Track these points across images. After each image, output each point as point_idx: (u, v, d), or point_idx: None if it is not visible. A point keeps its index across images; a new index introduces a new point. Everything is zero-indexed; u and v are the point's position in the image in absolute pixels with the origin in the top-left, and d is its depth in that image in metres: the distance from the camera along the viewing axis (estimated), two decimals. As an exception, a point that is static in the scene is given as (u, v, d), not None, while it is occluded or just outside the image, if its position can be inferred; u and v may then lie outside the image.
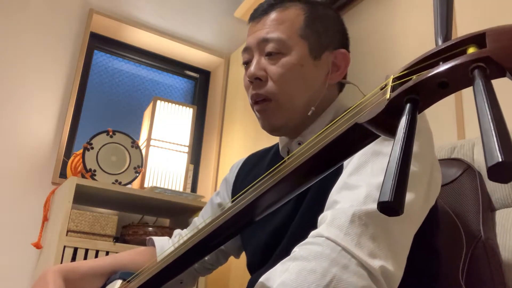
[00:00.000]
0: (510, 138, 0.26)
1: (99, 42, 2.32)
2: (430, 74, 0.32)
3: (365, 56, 1.65)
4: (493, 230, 0.80)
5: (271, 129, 0.83)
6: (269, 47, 0.80)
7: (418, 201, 0.58)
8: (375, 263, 0.50)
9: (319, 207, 0.61)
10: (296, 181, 0.46)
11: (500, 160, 0.25)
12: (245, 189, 0.53)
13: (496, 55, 0.29)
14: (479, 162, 0.86)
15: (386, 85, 0.37)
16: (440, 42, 0.35)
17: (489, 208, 0.82)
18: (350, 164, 0.62)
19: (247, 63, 0.84)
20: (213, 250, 0.58)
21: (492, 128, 0.26)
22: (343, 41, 0.86)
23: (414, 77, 0.34)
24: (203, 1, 2.52)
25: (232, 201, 0.57)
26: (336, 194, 0.59)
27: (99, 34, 2.30)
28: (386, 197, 0.29)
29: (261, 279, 0.52)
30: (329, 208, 0.58)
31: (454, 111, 1.27)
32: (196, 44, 2.46)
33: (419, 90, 0.33)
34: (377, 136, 0.39)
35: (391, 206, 0.29)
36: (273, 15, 0.82)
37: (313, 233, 0.54)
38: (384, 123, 0.36)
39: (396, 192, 0.29)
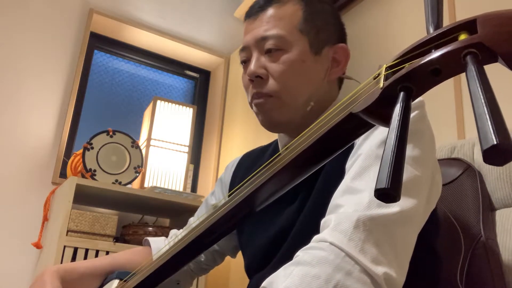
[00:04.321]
0: (504, 121, 0.26)
1: (99, 42, 2.32)
2: (422, 62, 0.32)
3: (364, 56, 1.65)
4: (493, 230, 0.80)
5: (271, 125, 0.81)
6: (269, 44, 0.77)
7: (420, 205, 0.58)
8: (379, 270, 0.49)
9: (321, 211, 0.60)
10: (293, 172, 0.46)
11: (495, 143, 0.25)
12: (242, 183, 0.52)
13: (488, 41, 0.29)
14: (479, 162, 0.86)
15: (379, 75, 0.37)
16: (431, 30, 0.35)
17: (489, 208, 0.82)
18: (353, 167, 0.61)
19: (245, 62, 0.83)
20: (211, 245, 0.58)
21: (486, 112, 0.26)
22: (341, 36, 0.85)
23: (406, 65, 0.34)
24: (203, 1, 2.52)
25: (229, 196, 0.56)
26: (339, 197, 0.58)
27: (99, 34, 2.30)
28: (383, 184, 0.29)
29: (264, 283, 0.52)
30: (332, 212, 0.57)
31: (454, 111, 1.27)
32: (196, 44, 2.45)
33: (412, 78, 0.33)
34: (371, 126, 0.39)
35: (388, 193, 0.29)
36: (270, 12, 0.80)
37: (316, 237, 0.54)
38: (378, 112, 0.36)
39: (392, 179, 0.29)
